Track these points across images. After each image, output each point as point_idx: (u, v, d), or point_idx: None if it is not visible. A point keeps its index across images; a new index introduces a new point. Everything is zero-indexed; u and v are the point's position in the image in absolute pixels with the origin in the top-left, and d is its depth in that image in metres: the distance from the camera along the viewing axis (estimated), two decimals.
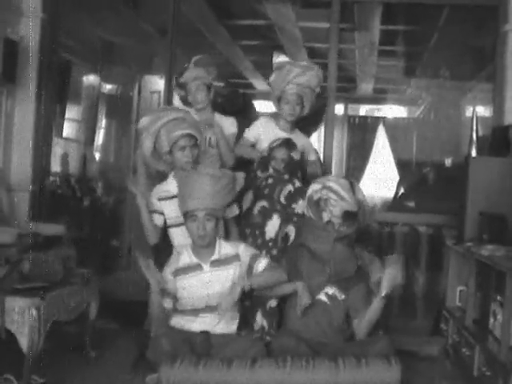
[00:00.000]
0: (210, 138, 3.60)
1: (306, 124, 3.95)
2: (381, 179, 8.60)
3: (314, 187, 3.15)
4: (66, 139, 6.69)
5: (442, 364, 3.86)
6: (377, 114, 10.32)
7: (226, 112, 3.95)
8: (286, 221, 3.38)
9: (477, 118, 4.30)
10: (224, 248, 2.99)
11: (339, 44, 4.88)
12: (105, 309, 4.03)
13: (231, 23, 6.88)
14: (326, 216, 3.08)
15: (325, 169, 4.22)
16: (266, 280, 2.95)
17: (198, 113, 3.73)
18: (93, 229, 6.25)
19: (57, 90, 5.33)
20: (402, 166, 8.46)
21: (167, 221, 3.27)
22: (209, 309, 2.90)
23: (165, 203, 3.24)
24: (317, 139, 5.72)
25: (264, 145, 3.65)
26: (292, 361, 2.60)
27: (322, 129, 5.00)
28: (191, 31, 6.47)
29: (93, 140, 7.28)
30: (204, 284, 2.91)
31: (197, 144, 3.26)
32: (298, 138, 3.76)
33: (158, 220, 3.28)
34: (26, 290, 3.24)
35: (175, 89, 3.82)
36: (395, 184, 7.60)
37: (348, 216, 3.04)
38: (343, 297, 3.03)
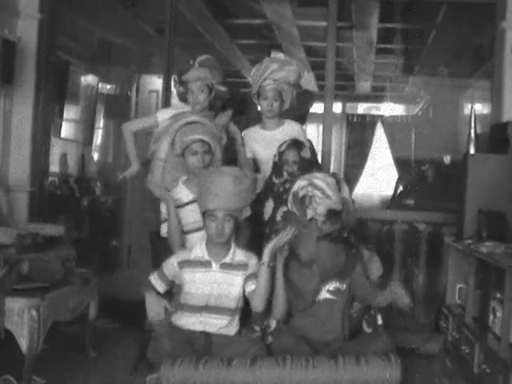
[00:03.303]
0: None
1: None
2: (379, 177, 8.61)
3: (300, 183, 3.10)
4: (65, 139, 6.68)
5: (442, 361, 3.86)
6: (375, 112, 10.31)
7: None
8: None
9: (475, 115, 4.30)
10: (238, 255, 2.97)
11: (337, 42, 4.88)
12: (105, 309, 4.03)
13: (229, 22, 6.88)
14: (309, 213, 3.04)
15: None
16: (262, 288, 2.86)
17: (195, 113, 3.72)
18: (92, 229, 6.25)
19: (55, 90, 5.33)
20: (401, 163, 8.46)
21: (183, 228, 3.25)
22: (211, 310, 2.90)
23: (178, 211, 3.24)
24: (315, 138, 5.73)
25: (261, 155, 3.64)
26: (292, 360, 2.60)
27: (320, 127, 5.00)
28: (189, 30, 6.47)
29: (91, 140, 7.27)
30: (209, 282, 2.90)
31: (210, 150, 3.24)
32: (288, 129, 3.70)
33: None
34: (26, 290, 3.24)
35: (175, 85, 3.78)
36: (394, 182, 7.60)
37: (332, 214, 3.02)
38: (345, 286, 3.01)
